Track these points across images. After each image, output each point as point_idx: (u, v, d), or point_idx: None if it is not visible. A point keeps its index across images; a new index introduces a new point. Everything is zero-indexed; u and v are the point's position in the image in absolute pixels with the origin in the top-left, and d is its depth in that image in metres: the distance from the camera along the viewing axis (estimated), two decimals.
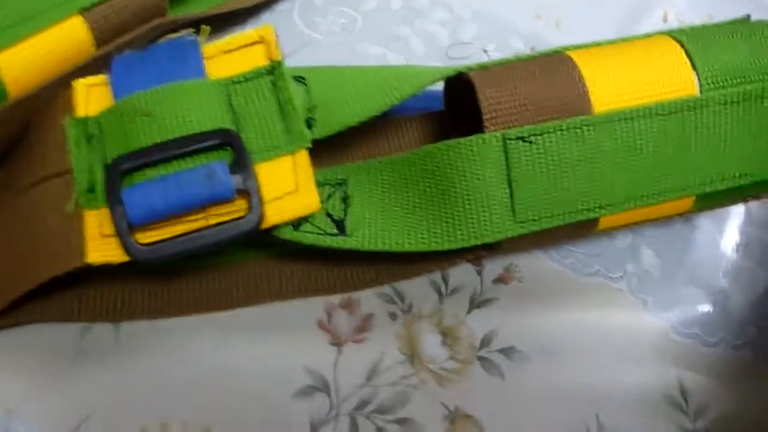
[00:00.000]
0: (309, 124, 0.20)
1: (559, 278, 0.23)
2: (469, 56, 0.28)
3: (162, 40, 0.21)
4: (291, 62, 0.23)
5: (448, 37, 0.29)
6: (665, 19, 0.30)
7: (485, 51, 0.28)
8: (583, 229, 0.21)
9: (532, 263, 0.23)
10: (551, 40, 0.29)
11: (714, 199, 0.21)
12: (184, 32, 0.22)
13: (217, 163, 0.18)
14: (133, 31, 0.23)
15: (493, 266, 0.23)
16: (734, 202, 0.22)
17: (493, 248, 0.21)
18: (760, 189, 0.21)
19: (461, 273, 0.22)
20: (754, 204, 0.24)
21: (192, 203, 0.18)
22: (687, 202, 0.21)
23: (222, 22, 0.27)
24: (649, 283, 0.23)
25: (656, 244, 0.24)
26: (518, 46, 0.28)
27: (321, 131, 0.20)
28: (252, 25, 0.28)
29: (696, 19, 0.30)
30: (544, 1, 0.30)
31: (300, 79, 0.21)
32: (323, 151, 0.22)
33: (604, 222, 0.21)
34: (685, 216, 0.24)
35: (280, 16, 0.29)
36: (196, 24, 0.25)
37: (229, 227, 0.19)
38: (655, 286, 0.23)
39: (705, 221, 0.24)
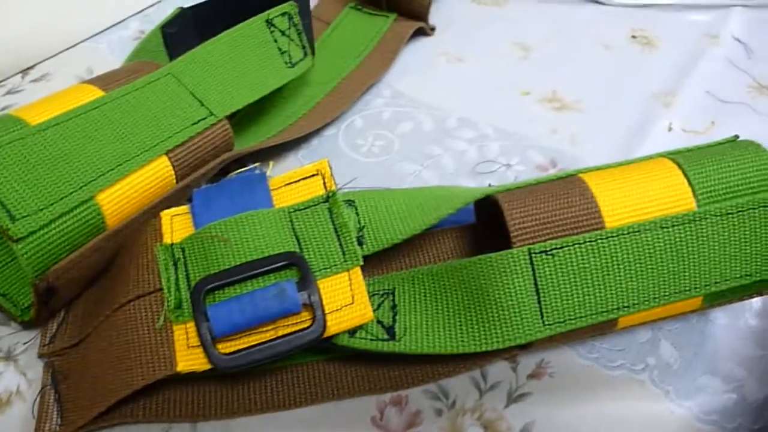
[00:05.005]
0: (360, 242, 0.24)
1: (587, 372, 0.25)
2: (495, 170, 0.31)
3: (234, 174, 0.25)
4: (338, 179, 0.27)
5: (475, 154, 0.32)
6: (670, 129, 0.33)
7: (509, 165, 0.32)
8: (604, 328, 0.23)
9: (562, 359, 0.25)
10: (568, 153, 0.32)
11: (721, 297, 0.24)
12: (251, 166, 0.26)
13: (286, 282, 0.22)
14: (207, 165, 0.27)
15: (527, 362, 0.25)
16: (740, 298, 0.24)
17: (525, 346, 0.23)
18: (761, 286, 0.24)
19: (498, 370, 0.25)
20: (764, 297, 0.27)
21: (266, 317, 0.21)
22: (696, 301, 0.23)
23: (278, 148, 0.31)
24: (669, 374, 0.25)
25: (674, 338, 0.26)
26: (538, 160, 0.32)
27: (370, 248, 0.24)
28: (304, 150, 0.32)
29: (699, 127, 0.34)
30: (560, 116, 0.34)
31: (350, 203, 0.25)
32: (372, 262, 0.25)
33: (623, 321, 0.23)
34: (701, 310, 0.26)
35: (327, 140, 0.33)
36: (257, 154, 0.29)
37: (297, 337, 0.22)
38: (675, 377, 0.25)
39: (719, 314, 0.27)
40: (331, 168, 0.25)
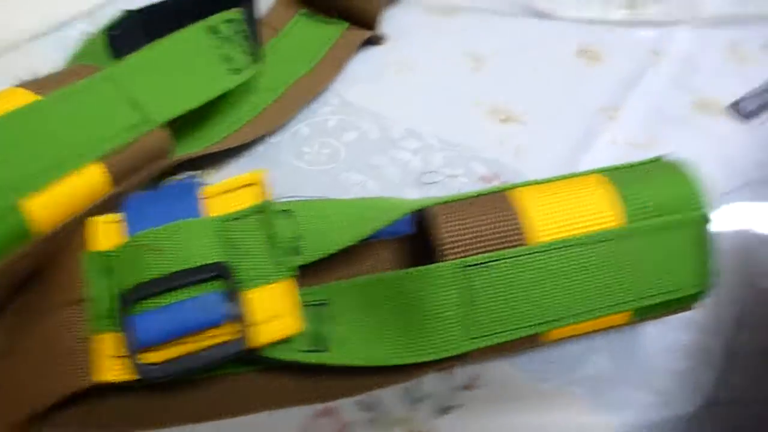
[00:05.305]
0: (296, 251, 0.24)
1: (519, 384, 0.25)
2: (439, 181, 0.32)
3: (168, 182, 0.25)
4: (280, 190, 0.27)
5: (420, 165, 0.32)
6: (613, 142, 0.34)
7: (453, 176, 0.32)
8: (535, 341, 0.24)
9: (495, 371, 0.26)
10: (511, 165, 0.32)
11: (650, 312, 0.24)
12: (187, 173, 0.26)
13: (212, 294, 0.21)
14: (143, 171, 0.27)
15: (460, 374, 0.25)
16: (668, 313, 0.25)
17: (459, 358, 0.23)
18: (689, 301, 0.24)
19: (431, 381, 0.25)
20: (696, 310, 0.27)
21: (191, 328, 0.21)
22: (625, 316, 0.24)
23: (221, 154, 0.31)
24: (600, 386, 0.25)
25: (606, 351, 0.26)
26: (482, 171, 0.32)
27: (307, 258, 0.24)
28: (246, 158, 0.32)
29: (642, 140, 0.34)
30: (506, 129, 0.34)
31: (288, 212, 0.25)
32: (309, 272, 0.25)
33: (553, 335, 0.23)
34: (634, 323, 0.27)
35: (272, 148, 0.33)
36: (199, 161, 0.29)
37: (222, 349, 0.21)
38: (606, 390, 0.25)
39: (650, 328, 0.27)
40: (267, 178, 0.25)
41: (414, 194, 0.31)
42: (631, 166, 0.25)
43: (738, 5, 0.42)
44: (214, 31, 0.30)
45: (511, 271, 0.22)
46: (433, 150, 0.33)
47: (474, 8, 0.41)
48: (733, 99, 0.37)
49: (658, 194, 0.23)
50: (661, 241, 0.23)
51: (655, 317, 0.25)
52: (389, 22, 0.40)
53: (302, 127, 0.34)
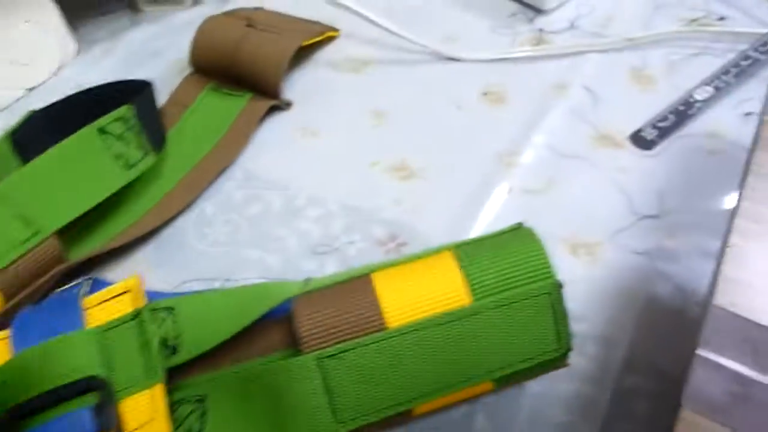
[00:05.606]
0: (174, 350, 0.25)
1: None
2: (336, 249, 0.33)
3: (51, 295, 0.26)
4: (184, 275, 0.28)
5: (319, 233, 0.34)
6: (510, 191, 0.35)
7: (351, 242, 0.33)
8: (403, 417, 0.25)
9: None
10: (407, 224, 0.34)
11: (511, 380, 0.25)
12: (75, 282, 0.27)
13: (83, 409, 0.23)
14: (37, 281, 0.28)
15: None
16: (532, 377, 0.26)
17: None
18: (553, 363, 0.25)
19: None
20: (576, 359, 0.28)
21: None
22: (487, 385, 0.25)
23: (127, 245, 0.33)
24: None
25: (489, 410, 0.27)
26: (378, 234, 0.33)
27: (185, 355, 0.25)
28: (153, 245, 0.33)
29: (539, 185, 0.35)
30: (405, 186, 0.35)
31: (169, 310, 0.26)
32: (195, 363, 0.26)
33: (419, 410, 0.25)
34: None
35: (177, 231, 0.34)
36: (102, 258, 0.30)
37: None
38: None
39: (533, 383, 0.28)
40: (142, 283, 0.26)
41: (311, 265, 0.32)
42: (486, 238, 0.26)
43: (642, 28, 0.43)
44: (102, 131, 0.31)
45: (370, 357, 0.24)
46: (334, 216, 0.34)
47: (380, 60, 0.43)
48: (634, 128, 0.38)
49: (504, 268, 0.24)
50: (508, 315, 0.24)
51: (517, 383, 0.26)
52: (296, 84, 0.41)
53: (207, 205, 0.35)
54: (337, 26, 0.44)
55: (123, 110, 0.32)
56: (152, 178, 0.34)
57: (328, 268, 0.32)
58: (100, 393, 0.24)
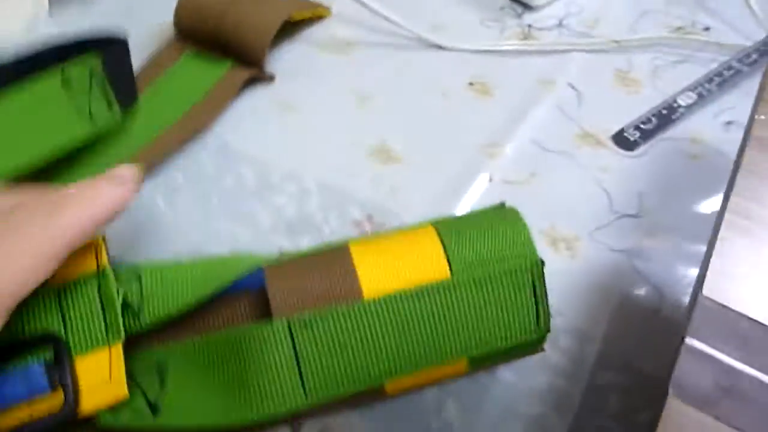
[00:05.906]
0: (137, 315, 0.24)
1: None
2: (312, 225, 0.32)
3: None
4: (151, 243, 0.27)
5: (294, 210, 0.32)
6: (490, 180, 0.34)
7: (326, 221, 0.32)
8: (375, 395, 0.24)
9: (346, 422, 0.26)
10: (385, 206, 0.33)
11: (487, 361, 0.24)
12: None
13: (35, 364, 0.21)
14: None
15: (311, 427, 0.26)
16: (506, 360, 0.25)
17: (303, 413, 0.24)
18: (530, 346, 0.25)
19: None
20: (550, 352, 0.28)
21: (14, 399, 0.21)
22: (461, 365, 0.24)
23: None
24: None
25: (460, 398, 0.27)
26: (355, 215, 0.32)
27: (148, 319, 0.24)
28: None
29: (520, 177, 0.35)
30: (384, 169, 0.34)
31: (134, 273, 0.25)
32: (159, 331, 0.25)
33: (391, 386, 0.24)
34: (488, 369, 0.27)
35: (144, 198, 0.32)
36: None
37: (47, 419, 0.21)
38: None
39: (506, 372, 0.27)
40: (105, 241, 0.25)
41: (284, 242, 0.31)
42: (470, 216, 0.25)
43: (628, 31, 0.43)
44: (65, 80, 0.30)
45: (343, 327, 0.23)
46: (310, 194, 0.33)
47: (368, 43, 0.42)
48: (617, 128, 0.37)
49: (484, 245, 0.24)
50: (486, 292, 0.23)
51: (492, 365, 0.25)
52: (280, 61, 0.40)
53: (178, 175, 0.34)
54: (327, 6, 0.43)
55: (88, 57, 0.30)
56: (120, 136, 0.32)
57: (302, 246, 0.31)
58: (55, 348, 0.22)
